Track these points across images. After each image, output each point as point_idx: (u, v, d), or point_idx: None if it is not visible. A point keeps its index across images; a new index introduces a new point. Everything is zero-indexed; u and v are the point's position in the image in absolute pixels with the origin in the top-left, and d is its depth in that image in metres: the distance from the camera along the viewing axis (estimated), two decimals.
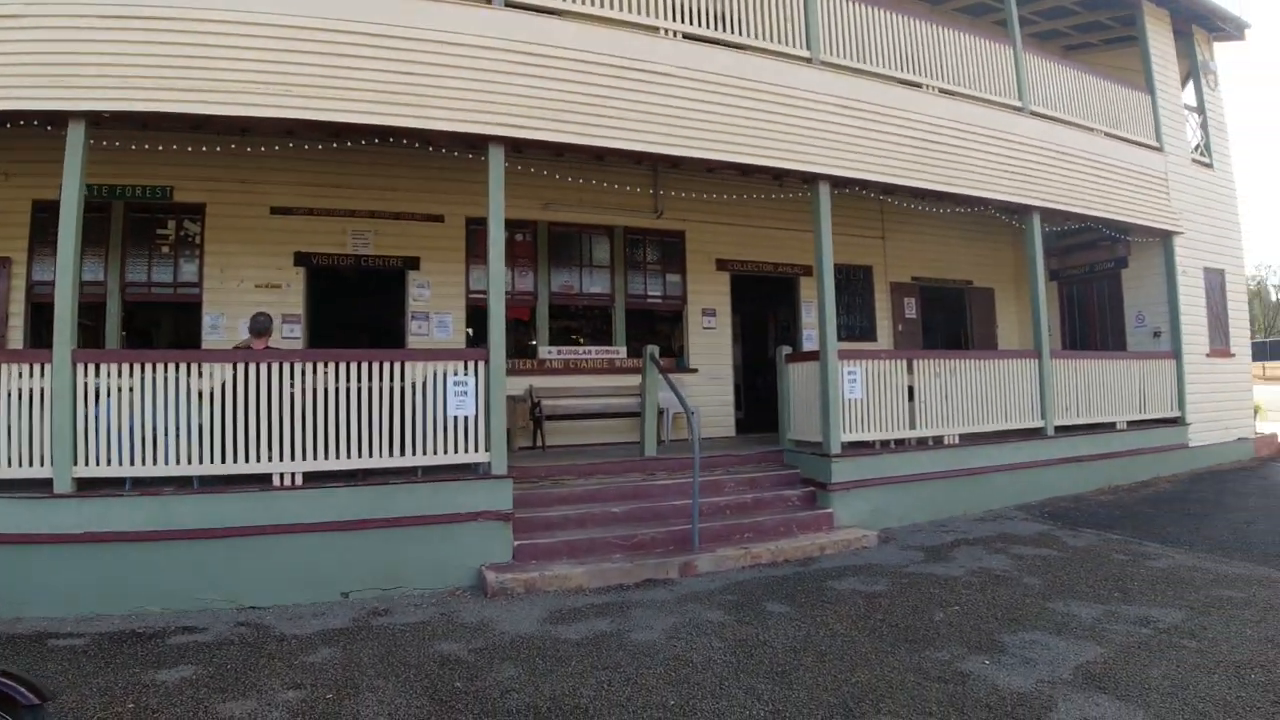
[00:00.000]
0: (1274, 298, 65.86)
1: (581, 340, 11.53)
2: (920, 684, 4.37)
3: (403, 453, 6.52)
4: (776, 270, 11.86)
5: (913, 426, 8.81)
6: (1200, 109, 13.54)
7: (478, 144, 7.10)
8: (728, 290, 11.43)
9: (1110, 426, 10.98)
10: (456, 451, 6.63)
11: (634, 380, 10.16)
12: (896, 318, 12.97)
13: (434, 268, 9.85)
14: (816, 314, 12.04)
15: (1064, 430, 10.26)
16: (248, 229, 9.40)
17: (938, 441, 9.05)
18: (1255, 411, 14.43)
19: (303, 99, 6.43)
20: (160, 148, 8.52)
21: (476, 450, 6.67)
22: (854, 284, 12.56)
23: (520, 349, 10.56)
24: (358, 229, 9.76)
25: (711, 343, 11.22)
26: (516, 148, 7.73)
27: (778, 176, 10.77)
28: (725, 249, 11.42)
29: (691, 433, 7.10)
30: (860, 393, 8.35)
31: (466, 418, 6.64)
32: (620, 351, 10.58)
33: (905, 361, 8.80)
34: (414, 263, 9.83)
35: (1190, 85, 13.78)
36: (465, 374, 6.66)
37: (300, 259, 9.55)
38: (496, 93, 6.94)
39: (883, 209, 12.86)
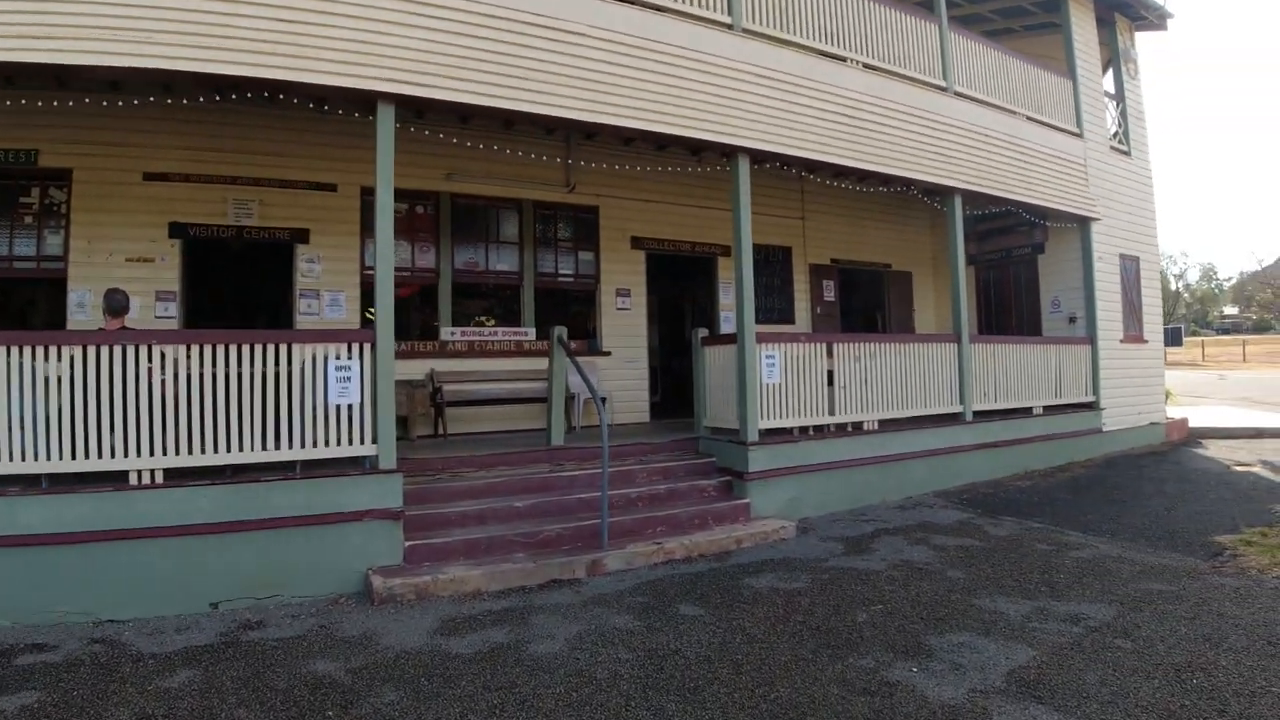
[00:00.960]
0: (1173, 287, 69.28)
1: (489, 321, 10.92)
2: (845, 698, 4.00)
3: (278, 446, 5.84)
4: (694, 250, 11.44)
5: (832, 413, 8.52)
6: (1120, 97, 13.66)
7: (368, 102, 6.39)
8: (643, 270, 10.95)
9: (1027, 411, 11.00)
10: (340, 444, 5.98)
11: (544, 364, 9.62)
12: (815, 300, 12.73)
13: (325, 241, 9.07)
14: (735, 295, 11.78)
15: (982, 415, 10.19)
16: (118, 197, 8.47)
17: (857, 428, 8.80)
18: (1166, 396, 14.77)
19: (170, 48, 5.62)
20: (24, 104, 7.55)
21: (362, 442, 6.03)
22: (773, 265, 12.25)
23: (421, 330, 9.90)
24: (240, 198, 8.90)
25: (626, 324, 10.74)
26: (415, 109, 7.07)
27: (696, 150, 10.36)
28: (641, 226, 10.94)
29: (600, 420, 6.61)
30: (779, 377, 8.01)
31: (350, 406, 5.99)
32: (529, 333, 10.00)
33: (825, 345, 8.50)
34: (303, 235, 9.02)
35: (1110, 73, 13.91)
36: (349, 358, 6.00)
37: (176, 230, 8.65)
38: (387, 45, 6.25)
39: (803, 189, 12.60)
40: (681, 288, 14.32)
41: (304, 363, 5.90)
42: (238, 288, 10.68)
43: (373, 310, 6.24)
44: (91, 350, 5.46)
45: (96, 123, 8.31)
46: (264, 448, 5.80)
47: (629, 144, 10.40)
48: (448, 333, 9.52)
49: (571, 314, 12.99)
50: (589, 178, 10.48)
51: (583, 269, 10.48)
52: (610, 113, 7.10)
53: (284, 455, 5.85)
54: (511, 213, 10.12)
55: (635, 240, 10.88)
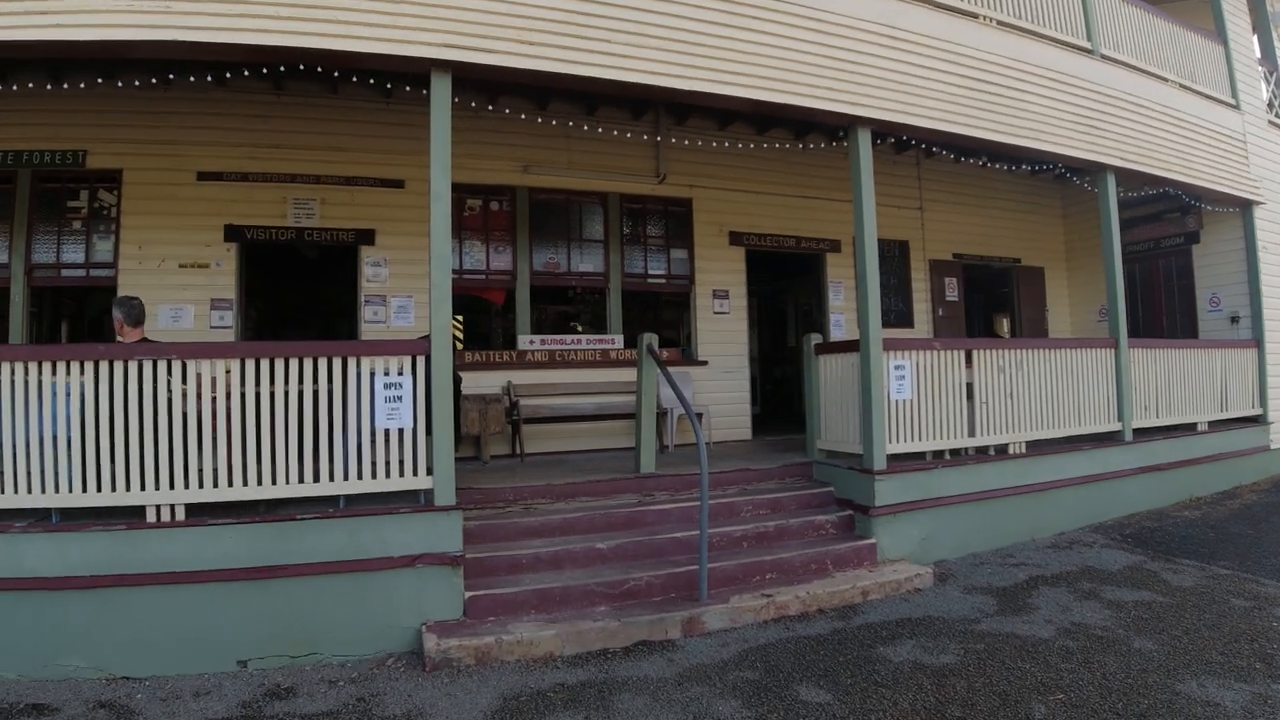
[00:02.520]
0: None
1: (576, 329, 9.97)
2: None
3: (317, 478, 4.96)
4: (799, 246, 10.20)
5: (972, 433, 7.15)
6: (1273, 64, 11.73)
7: (421, 74, 5.47)
8: (742, 268, 9.77)
9: (1190, 428, 9.31)
10: (389, 475, 5.05)
11: (632, 375, 8.60)
12: (936, 300, 11.29)
13: (392, 242, 8.25)
14: (847, 296, 10.50)
15: (1141, 434, 8.60)
16: (170, 198, 7.93)
17: (1001, 451, 7.39)
18: None
19: (186, 15, 4.86)
20: (73, 100, 7.32)
21: (415, 473, 5.08)
22: (888, 261, 10.87)
23: (497, 339, 9.00)
24: (300, 197, 8.19)
25: (724, 329, 9.57)
26: (477, 82, 6.15)
27: (803, 130, 9.22)
28: (739, 220, 9.77)
29: (698, 441, 5.47)
30: (909, 392, 6.71)
31: (401, 431, 5.05)
32: (616, 341, 8.96)
33: (963, 353, 7.14)
34: (368, 236, 8.23)
35: (1257, 38, 11.98)
36: (399, 374, 5.06)
37: (232, 233, 8.00)
38: (439, 5, 5.30)
39: (920, 175, 11.23)
40: (783, 288, 13.08)
41: (349, 380, 4.99)
42: (299, 295, 10.02)
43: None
44: (105, 366, 4.69)
45: (147, 120, 7.86)
46: (300, 480, 4.93)
47: (725, 127, 9.31)
48: (526, 341, 8.58)
49: (663, 319, 12.02)
50: (681, 167, 9.40)
51: (675, 269, 9.38)
52: (706, 78, 5.96)
53: (324, 489, 4.97)
54: (595, 208, 9.11)
55: (733, 236, 9.71)
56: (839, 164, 10.28)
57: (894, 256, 10.97)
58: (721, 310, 9.53)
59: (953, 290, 11.48)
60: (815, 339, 7.23)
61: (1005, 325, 9.86)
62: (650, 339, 6.42)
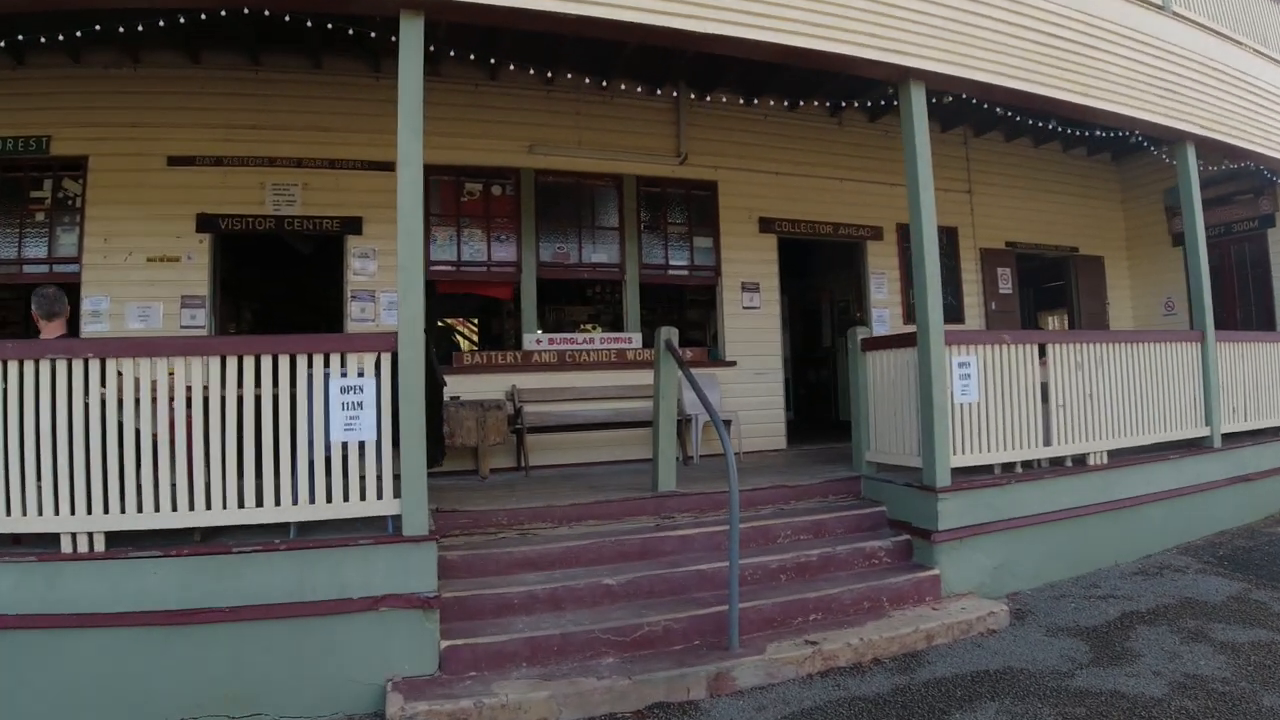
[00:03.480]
0: None
1: (590, 327, 9.05)
2: None
3: (261, 502, 4.06)
4: (836, 233, 9.20)
5: (1048, 442, 6.11)
6: None
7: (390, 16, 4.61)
8: (774, 258, 8.79)
9: (1276, 433, 8.18)
10: (347, 499, 4.15)
11: (651, 378, 7.71)
12: (989, 293, 10.22)
13: (382, 231, 7.38)
14: (890, 289, 9.48)
15: (1229, 440, 7.50)
16: (138, 186, 7.22)
17: (1078, 462, 6.34)
18: None
19: None
20: (36, 83, 6.82)
21: (379, 496, 4.17)
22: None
23: (500, 338, 8.11)
24: (280, 181, 7.38)
25: (754, 327, 8.59)
26: (468, 36, 5.24)
27: (838, 107, 8.24)
28: (770, 204, 8.79)
29: (726, 454, 4.49)
30: (976, 394, 5.70)
31: (362, 445, 4.15)
32: (633, 339, 8.01)
33: (1036, 347, 6.11)
34: (355, 225, 7.38)
35: None
36: (360, 376, 4.16)
37: (204, 223, 7.22)
38: None
39: (968, 155, 10.21)
40: (816, 283, 12.07)
41: (299, 383, 4.10)
42: (284, 292, 9.19)
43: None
44: (14, 367, 3.85)
45: (115, 101, 7.18)
46: (241, 503, 4.04)
47: (752, 101, 8.36)
48: (532, 340, 7.66)
49: (687, 319, 11.12)
50: (704, 146, 8.46)
51: (699, 259, 8.42)
52: (727, 19, 4.97)
53: (270, 515, 4.08)
54: (609, 192, 8.19)
55: (764, 222, 8.74)
56: (880, 142, 9.33)
57: (941, 244, 9.88)
58: (751, 305, 8.55)
59: (1006, 282, 10.41)
60: (861, 333, 6.23)
61: (1054, 325, 8.87)
62: (669, 334, 5.47)
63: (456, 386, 7.18)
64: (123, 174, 7.11)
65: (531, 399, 7.35)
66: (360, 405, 4.10)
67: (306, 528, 4.21)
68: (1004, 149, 10.55)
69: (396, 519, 4.18)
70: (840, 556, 5.25)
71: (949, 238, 10.05)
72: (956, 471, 5.57)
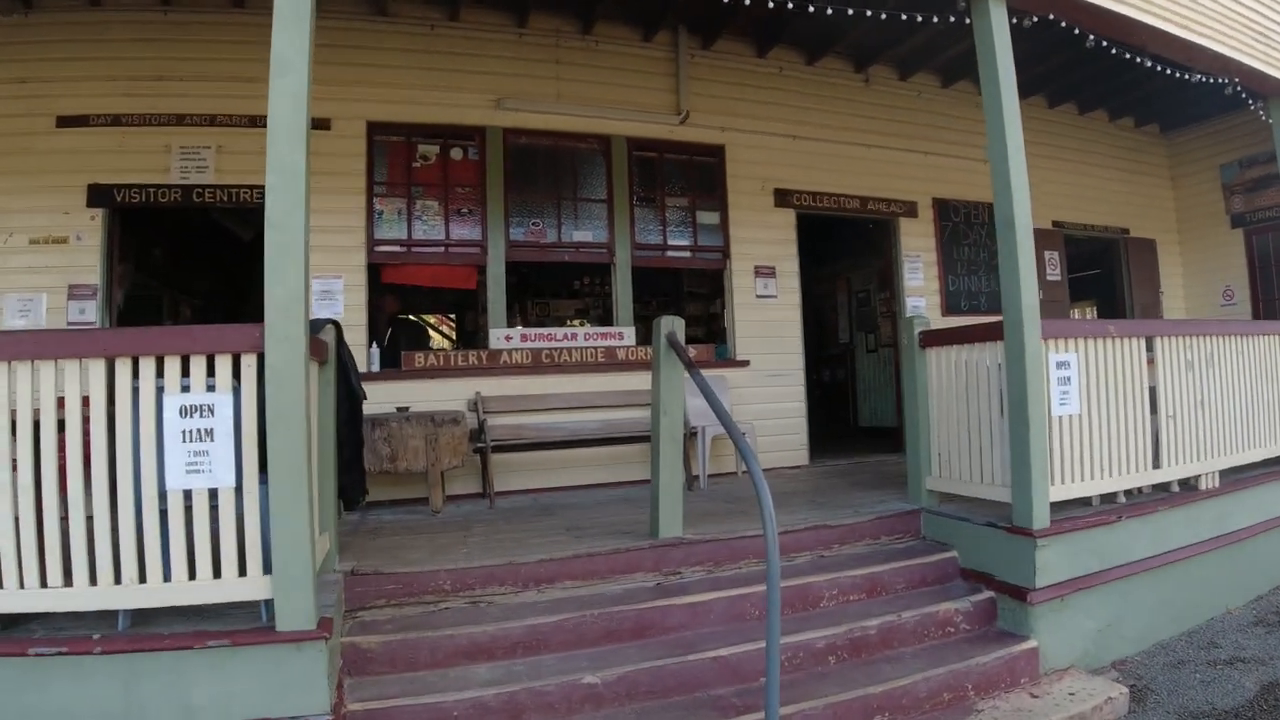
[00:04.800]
0: None
1: (576, 323, 7.66)
2: None
3: (69, 579, 2.67)
4: (865, 208, 7.80)
5: (1157, 463, 4.74)
6: None
7: None
8: (793, 237, 7.39)
9: None
10: (194, 575, 2.75)
11: (648, 379, 6.33)
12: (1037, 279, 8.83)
13: (315, 202, 5.95)
14: (928, 274, 8.12)
15: None
16: (23, 152, 5.87)
17: (1187, 486, 4.99)
18: None
19: None
20: None
21: (243, 571, 2.77)
22: (975, 229, 8.49)
23: (475, 336, 6.74)
24: (189, 144, 5.99)
25: (770, 319, 7.18)
26: None
27: (864, 62, 6.89)
28: (787, 173, 7.39)
29: (758, 489, 3.07)
30: (1077, 403, 4.33)
31: (216, 493, 2.75)
32: (625, 335, 6.61)
33: (1143, 341, 4.74)
34: None
35: None
36: (210, 390, 2.76)
37: (97, 195, 5.86)
38: None
39: None
40: (831, 269, 10.68)
41: (120, 401, 2.70)
42: (186, 276, 7.76)
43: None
44: None
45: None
46: (43, 581, 2.65)
47: (765, 53, 6.99)
48: (500, 337, 6.25)
49: (686, 311, 9.80)
50: (709, 104, 7.07)
51: (704, 237, 7.01)
52: None
53: (85, 598, 2.68)
54: (595, 157, 6.77)
55: (780, 195, 7.33)
56: (912, 104, 8.01)
57: (983, 224, 8.56)
58: (766, 293, 7.15)
59: (1054, 267, 9.06)
60: (920, 323, 4.81)
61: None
62: (671, 326, 4.07)
63: (404, 395, 5.80)
64: (5, 139, 5.75)
65: (500, 409, 5.98)
66: (210, 433, 2.70)
67: (146, 617, 2.81)
68: (1047, 116, 9.20)
69: (270, 605, 2.78)
70: (906, 626, 3.86)
71: (991, 215, 8.66)
72: (1054, 507, 4.19)
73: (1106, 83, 8.32)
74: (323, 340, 3.45)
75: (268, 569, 2.76)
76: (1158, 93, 8.69)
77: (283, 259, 2.78)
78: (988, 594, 4.17)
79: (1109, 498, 4.62)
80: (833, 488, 5.75)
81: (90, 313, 5.73)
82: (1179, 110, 9.54)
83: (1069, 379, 4.31)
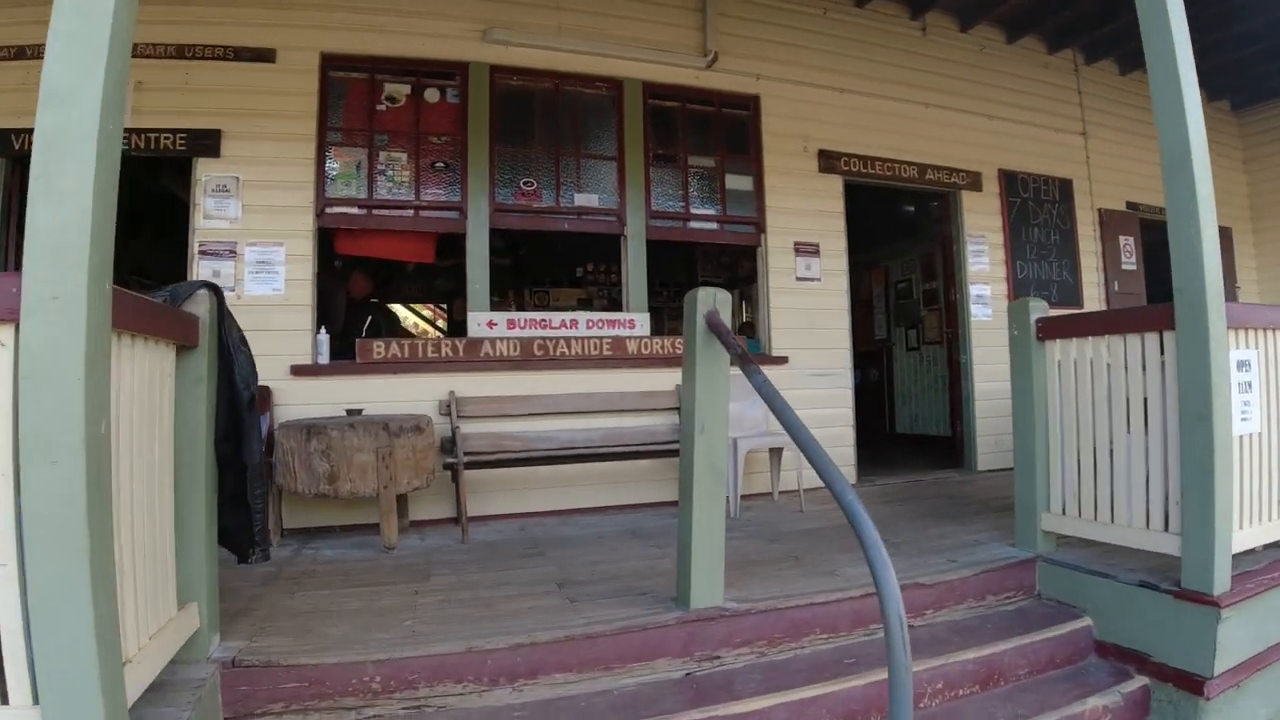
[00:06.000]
0: None
1: (575, 305, 6.50)
2: None
3: None
4: (922, 178, 6.57)
5: None
6: None
7: None
8: (840, 209, 6.15)
9: None
10: None
11: (665, 381, 5.15)
12: (1109, 267, 7.63)
13: (249, 152, 4.78)
14: (993, 258, 6.91)
15: None
16: None
17: None
18: None
19: None
20: None
21: (3, 698, 1.60)
22: (1044, 207, 7.27)
23: (454, 329, 5.59)
24: None
25: (813, 308, 5.94)
26: None
27: (922, 5, 5.72)
28: (832, 132, 6.17)
29: (872, 563, 1.91)
30: (1258, 420, 3.14)
31: None
32: (636, 323, 5.39)
33: None
34: (209, 143, 4.76)
35: None
36: None
37: None
38: None
39: (1080, 88, 7.66)
40: (866, 256, 9.48)
41: None
42: (142, 247, 6.57)
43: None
44: None
45: None
46: None
47: None
48: (481, 323, 5.04)
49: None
50: (740, 46, 5.87)
51: (733, 206, 5.79)
52: None
53: None
54: (603, 104, 5.56)
55: (825, 158, 6.11)
56: (974, 59, 6.89)
57: (1052, 201, 7.35)
58: (808, 275, 5.94)
59: (1129, 255, 7.83)
60: (1036, 309, 3.58)
61: None
62: (711, 300, 2.88)
63: (358, 395, 4.62)
64: None
65: (478, 412, 4.79)
66: None
67: None
68: (1118, 84, 7.99)
69: None
70: None
71: (1063, 192, 7.48)
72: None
73: None
74: (188, 314, 2.27)
75: (36, 700, 1.59)
76: (1230, 65, 7.54)
77: (60, 158, 1.59)
78: (1140, 681, 2.99)
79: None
80: (898, 519, 4.55)
81: None
82: (1254, 84, 8.36)
83: (1250, 384, 3.12)
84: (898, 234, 8.89)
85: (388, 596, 3.12)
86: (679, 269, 9.24)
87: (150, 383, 2.07)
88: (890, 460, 7.07)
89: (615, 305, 9.33)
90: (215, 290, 2.38)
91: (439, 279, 9.38)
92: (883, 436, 9.09)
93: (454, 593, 3.16)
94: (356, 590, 3.23)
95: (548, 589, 3.19)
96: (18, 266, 1.57)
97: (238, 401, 2.36)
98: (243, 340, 2.51)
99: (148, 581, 2.02)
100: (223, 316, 2.39)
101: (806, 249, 5.90)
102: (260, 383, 4.62)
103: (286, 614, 2.89)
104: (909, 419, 9.01)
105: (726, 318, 2.87)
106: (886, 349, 9.51)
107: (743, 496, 4.96)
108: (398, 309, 10.41)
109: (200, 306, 2.33)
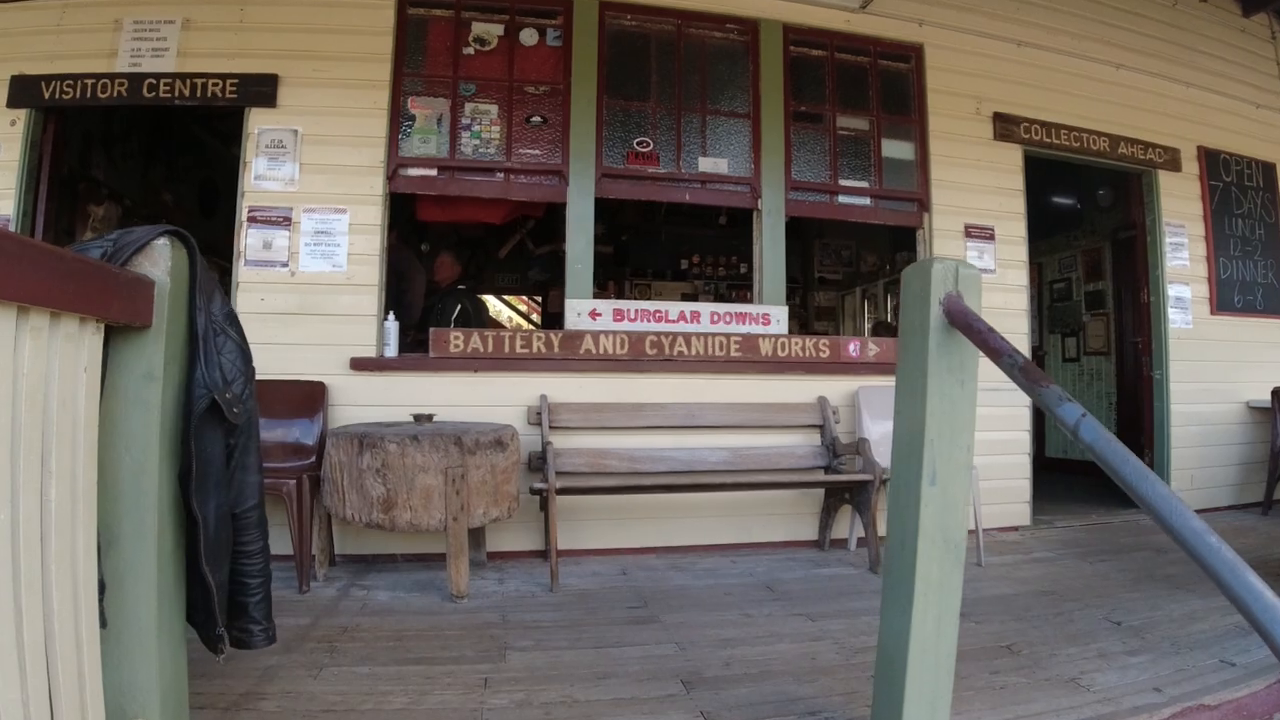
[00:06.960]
0: None
1: (675, 298, 5.58)
2: None
3: None
4: (1114, 152, 5.36)
5: None
6: None
7: None
8: (1020, 185, 5.00)
9: None
10: None
11: (805, 388, 4.13)
12: None
13: (310, 102, 3.98)
14: (1194, 250, 5.62)
15: None
16: None
17: None
18: None
19: None
20: None
21: None
22: (1247, 196, 5.95)
23: (548, 323, 4.79)
24: (146, 19, 4.13)
25: (986, 306, 4.65)
26: None
27: None
28: (1009, 92, 5.01)
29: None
30: None
31: None
32: (772, 318, 4.37)
33: None
34: (265, 90, 3.99)
35: None
36: None
37: (21, 90, 4.11)
38: None
39: (1278, 52, 6.32)
40: (1030, 237, 8.30)
41: None
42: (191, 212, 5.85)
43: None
44: None
45: None
46: None
47: None
48: (581, 313, 4.12)
49: (818, 298, 7.73)
50: None
51: (890, 178, 4.70)
52: None
53: None
54: (735, 51, 4.56)
55: (1002, 122, 4.96)
56: (1168, 17, 5.64)
57: (1258, 189, 6.02)
58: (982, 265, 4.79)
59: None
60: None
61: None
62: (949, 279, 1.89)
63: (430, 395, 3.77)
64: None
65: (575, 423, 3.88)
66: None
67: None
68: None
69: None
70: None
71: (1266, 178, 6.13)
72: None
73: None
74: (136, 277, 1.40)
75: None
76: None
77: None
78: None
79: None
80: (1111, 585, 3.42)
81: None
82: None
83: None
84: (1051, 226, 7.62)
85: (445, 688, 2.21)
86: (792, 262, 8.20)
87: (62, 385, 1.20)
88: (1055, 494, 5.87)
89: (729, 274, 8.36)
90: (185, 241, 1.49)
91: (533, 269, 8.51)
92: (1035, 462, 7.82)
93: (537, 689, 2.22)
94: (405, 670, 2.34)
95: (670, 693, 2.22)
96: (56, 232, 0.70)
97: (188, 417, 1.47)
98: (231, 319, 1.62)
99: (39, 696, 1.14)
100: (195, 284, 1.51)
101: (980, 233, 4.78)
102: (312, 377, 3.85)
103: (301, 716, 2.01)
104: (1063, 441, 7.72)
105: (976, 303, 1.86)
106: (1039, 359, 8.23)
107: (860, 539, 3.90)
108: (488, 300, 9.58)
109: (157, 266, 1.44)
